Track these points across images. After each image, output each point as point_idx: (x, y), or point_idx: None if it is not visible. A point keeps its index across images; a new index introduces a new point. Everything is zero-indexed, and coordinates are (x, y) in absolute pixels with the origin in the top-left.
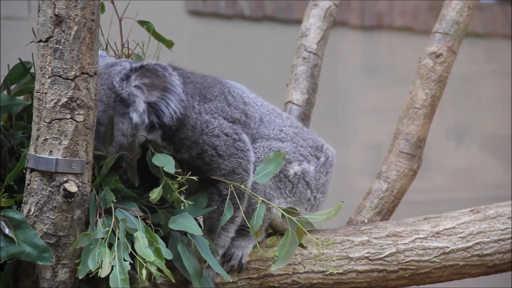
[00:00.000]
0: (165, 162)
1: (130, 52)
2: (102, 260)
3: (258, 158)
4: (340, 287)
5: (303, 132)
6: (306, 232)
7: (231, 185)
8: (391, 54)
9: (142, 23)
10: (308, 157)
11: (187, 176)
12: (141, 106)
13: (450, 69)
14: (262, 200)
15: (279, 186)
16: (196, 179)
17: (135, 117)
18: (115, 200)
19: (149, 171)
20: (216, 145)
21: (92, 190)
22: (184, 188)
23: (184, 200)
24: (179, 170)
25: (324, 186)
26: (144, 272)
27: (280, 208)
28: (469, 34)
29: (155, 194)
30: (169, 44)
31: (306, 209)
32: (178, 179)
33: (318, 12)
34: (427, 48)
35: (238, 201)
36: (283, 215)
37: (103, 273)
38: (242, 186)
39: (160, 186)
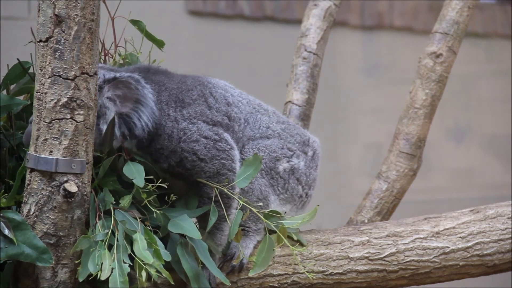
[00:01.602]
0: (135, 174)
1: (125, 51)
2: (102, 263)
3: None
4: (340, 287)
5: (290, 128)
6: (284, 239)
7: (215, 189)
8: (391, 54)
9: (134, 22)
10: (296, 152)
11: (157, 184)
12: (110, 117)
13: (450, 69)
14: (243, 203)
15: (272, 183)
16: (166, 186)
17: (105, 129)
18: (114, 202)
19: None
20: (196, 150)
21: (91, 192)
22: (152, 197)
23: (153, 209)
24: (151, 177)
25: (315, 182)
26: (143, 274)
27: (259, 212)
28: (469, 34)
29: (124, 201)
30: (160, 44)
31: (297, 206)
32: (148, 187)
33: (318, 12)
34: (427, 48)
35: (227, 200)
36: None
37: (103, 276)
38: (225, 189)
39: (131, 194)
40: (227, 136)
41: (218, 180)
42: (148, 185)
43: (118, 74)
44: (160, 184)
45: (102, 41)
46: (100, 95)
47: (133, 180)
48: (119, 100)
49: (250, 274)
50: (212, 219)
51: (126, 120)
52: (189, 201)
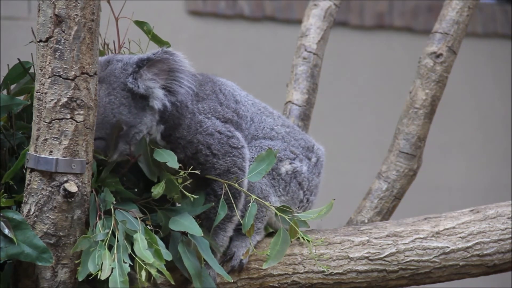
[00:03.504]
0: (167, 157)
1: (129, 52)
2: (102, 262)
3: (252, 158)
4: (340, 287)
5: (295, 132)
6: (299, 231)
7: (225, 184)
8: (391, 54)
9: (140, 24)
10: (299, 156)
11: (189, 170)
12: (160, 92)
13: (450, 69)
14: (256, 198)
15: (273, 184)
16: (198, 173)
17: (156, 104)
18: (114, 202)
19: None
20: (210, 144)
21: (92, 191)
22: (188, 182)
23: (188, 194)
24: (181, 165)
25: (317, 188)
26: (143, 274)
27: (273, 206)
28: (469, 34)
29: (158, 189)
30: (165, 45)
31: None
32: (181, 173)
33: (318, 12)
34: (427, 48)
35: (234, 200)
36: (276, 214)
37: (103, 276)
38: (236, 185)
39: (163, 181)
40: (238, 134)
41: (228, 178)
42: (179, 171)
43: (150, 55)
44: (192, 171)
45: (105, 42)
46: (142, 80)
47: (167, 163)
48: (157, 77)
49: (264, 267)
50: (221, 214)
51: (168, 90)
52: (195, 200)
